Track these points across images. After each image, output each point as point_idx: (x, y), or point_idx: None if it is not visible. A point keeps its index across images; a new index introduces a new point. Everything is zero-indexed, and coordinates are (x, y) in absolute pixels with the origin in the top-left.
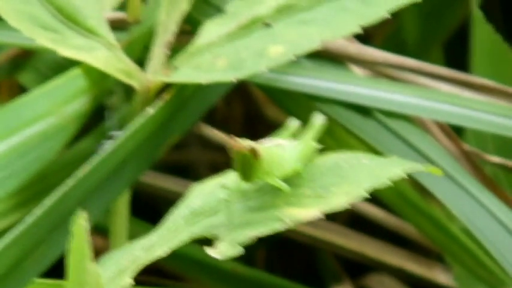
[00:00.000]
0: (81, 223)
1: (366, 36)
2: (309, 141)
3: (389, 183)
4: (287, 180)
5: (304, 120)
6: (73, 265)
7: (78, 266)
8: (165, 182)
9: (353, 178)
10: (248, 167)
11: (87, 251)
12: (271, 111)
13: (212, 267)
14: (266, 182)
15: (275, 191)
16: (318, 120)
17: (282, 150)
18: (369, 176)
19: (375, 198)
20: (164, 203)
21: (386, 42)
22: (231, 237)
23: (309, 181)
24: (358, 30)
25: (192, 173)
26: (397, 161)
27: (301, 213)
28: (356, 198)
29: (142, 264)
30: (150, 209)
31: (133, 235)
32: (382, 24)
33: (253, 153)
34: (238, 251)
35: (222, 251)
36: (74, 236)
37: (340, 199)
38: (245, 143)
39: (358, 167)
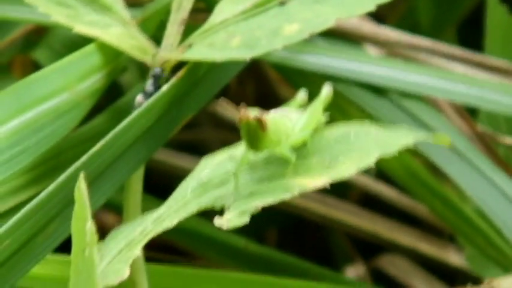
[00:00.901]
0: (81, 189)
1: (380, 17)
2: (316, 111)
3: (397, 152)
4: (295, 150)
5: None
6: (76, 233)
7: (81, 233)
8: (178, 160)
9: (361, 147)
10: (255, 136)
11: (86, 214)
12: (284, 90)
13: (223, 245)
14: (273, 152)
15: (282, 161)
16: (326, 90)
17: (289, 120)
18: (377, 145)
19: (387, 177)
20: (178, 181)
21: (400, 23)
22: (239, 207)
23: (316, 151)
24: (372, 8)
25: (205, 151)
26: (405, 131)
27: (309, 182)
28: (363, 167)
29: (151, 236)
30: (163, 187)
31: (146, 212)
32: (396, 5)
33: (260, 122)
34: (244, 220)
35: (228, 220)
36: (76, 203)
37: (348, 167)
38: (252, 113)
39: (366, 137)
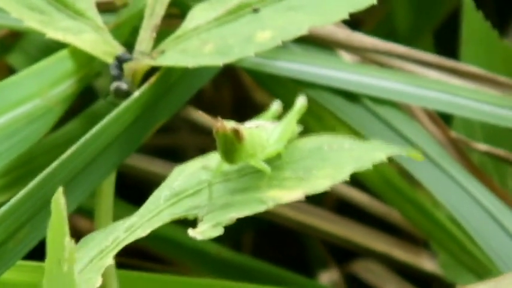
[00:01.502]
0: (59, 200)
1: (356, 23)
2: (290, 122)
3: (371, 167)
4: (269, 162)
5: (292, 105)
6: (52, 244)
7: (57, 244)
8: (154, 166)
9: (335, 161)
10: (231, 148)
11: (65, 228)
12: (260, 95)
13: (196, 251)
14: (248, 163)
15: (257, 172)
16: (301, 102)
17: (264, 131)
18: (351, 159)
19: (361, 184)
20: (152, 186)
21: (377, 29)
22: (213, 218)
23: (290, 163)
24: (346, 16)
25: (181, 157)
26: (380, 145)
27: (283, 195)
28: (338, 181)
29: (123, 244)
30: (138, 193)
31: (119, 218)
32: (373, 11)
33: (236, 134)
34: (219, 231)
35: (203, 231)
36: (52, 215)
37: (322, 182)
38: (228, 125)
39: (340, 150)
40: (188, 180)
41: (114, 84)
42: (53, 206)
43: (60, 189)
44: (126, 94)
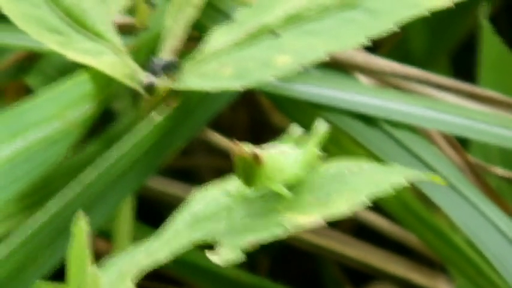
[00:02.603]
0: (81, 226)
1: (372, 46)
2: (312, 148)
3: (391, 191)
4: (289, 186)
5: (310, 129)
6: (73, 267)
7: (77, 268)
8: (171, 188)
9: (355, 185)
10: (250, 172)
11: (87, 253)
12: (277, 118)
13: (215, 274)
14: (268, 188)
15: (277, 197)
16: (322, 127)
17: (285, 156)
18: (371, 183)
19: (378, 207)
20: (170, 208)
21: (393, 52)
22: (232, 242)
23: (311, 188)
24: (365, 42)
25: (198, 178)
26: (399, 169)
27: (303, 219)
28: (357, 205)
29: (143, 268)
30: (155, 214)
31: (137, 240)
32: (390, 34)
33: (256, 158)
34: (238, 256)
35: (223, 255)
36: (74, 239)
37: (342, 206)
38: (248, 149)
39: (360, 175)
40: (208, 204)
41: (150, 79)
42: (74, 230)
43: (82, 214)
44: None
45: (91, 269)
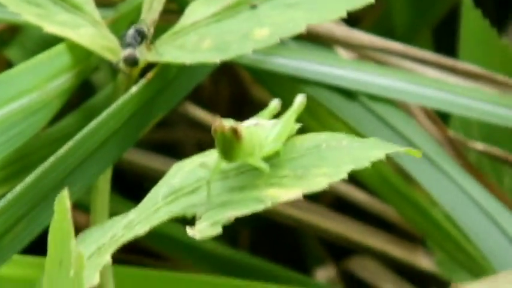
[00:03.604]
0: (63, 202)
1: (354, 20)
2: (289, 121)
3: (369, 165)
4: (267, 160)
5: (289, 102)
6: (54, 244)
7: (59, 245)
8: (152, 161)
9: (333, 159)
10: (229, 147)
11: (69, 230)
12: (258, 91)
13: (193, 247)
14: (246, 161)
15: (255, 171)
16: (299, 100)
17: (263, 130)
18: (349, 157)
19: (359, 181)
20: (151, 181)
21: (375, 26)
22: (210, 216)
23: (288, 161)
24: (344, 14)
25: (179, 152)
26: (378, 143)
27: (281, 193)
28: (336, 179)
29: (121, 242)
30: (136, 187)
31: (115, 213)
32: (371, 8)
33: (235, 133)
34: (217, 230)
35: (201, 230)
36: (56, 215)
37: (320, 180)
38: (227, 123)
39: (338, 149)
40: (186, 177)
41: (127, 51)
42: (57, 207)
43: (66, 191)
44: (135, 63)
45: (75, 246)
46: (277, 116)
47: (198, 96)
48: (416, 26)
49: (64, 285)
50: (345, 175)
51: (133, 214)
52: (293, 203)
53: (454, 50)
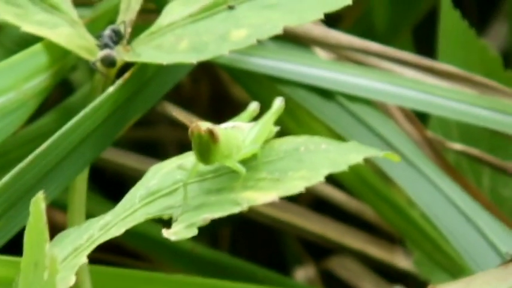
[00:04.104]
0: (39, 204)
1: (335, 20)
2: (267, 123)
3: (347, 169)
4: (244, 162)
5: (267, 102)
6: (29, 246)
7: (34, 247)
8: (132, 160)
9: (311, 163)
10: (206, 149)
11: (44, 233)
12: (237, 91)
13: (171, 247)
14: (224, 164)
15: (232, 173)
16: (278, 102)
17: (240, 132)
18: (327, 161)
19: (337, 182)
20: (131, 180)
21: (356, 26)
22: (186, 218)
23: (266, 164)
24: (321, 16)
25: (160, 151)
26: (356, 146)
27: (258, 196)
28: (313, 183)
29: (97, 243)
30: (116, 187)
31: (93, 212)
32: (351, 8)
33: (211, 136)
34: (192, 232)
35: (176, 232)
36: (31, 217)
37: (297, 184)
38: (203, 125)
39: (316, 152)
40: (164, 179)
41: (104, 52)
42: (32, 209)
43: (41, 194)
44: (112, 64)
45: (49, 249)
46: (256, 118)
47: (177, 95)
48: (396, 27)
49: (38, 287)
50: (322, 178)
51: (110, 216)
52: (272, 203)
53: (434, 51)
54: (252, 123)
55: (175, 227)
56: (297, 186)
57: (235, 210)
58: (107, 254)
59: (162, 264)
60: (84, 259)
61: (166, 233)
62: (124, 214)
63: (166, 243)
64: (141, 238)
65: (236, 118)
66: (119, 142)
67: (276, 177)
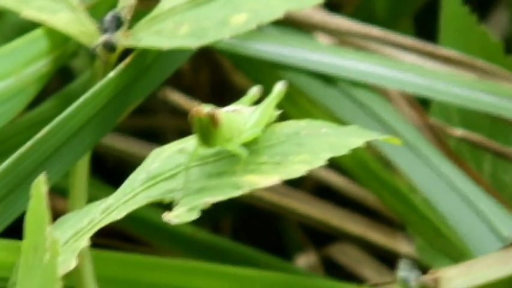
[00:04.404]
0: (40, 188)
1: (336, 5)
2: (268, 107)
3: (348, 152)
4: (245, 146)
5: (268, 88)
6: (30, 229)
7: (35, 230)
8: (133, 147)
9: (312, 147)
10: (207, 132)
11: (45, 216)
12: (238, 77)
13: (171, 232)
14: (225, 147)
15: (234, 157)
16: (279, 86)
17: (242, 116)
18: (328, 145)
19: (339, 167)
20: (131, 167)
21: (357, 12)
22: (188, 202)
23: (267, 148)
24: (321, 1)
25: (160, 138)
26: (357, 130)
27: (259, 180)
28: (314, 166)
29: (98, 227)
30: (116, 173)
31: (94, 197)
32: None
33: (212, 119)
34: (194, 216)
35: (178, 215)
36: (32, 200)
37: (299, 167)
38: (205, 109)
39: (317, 136)
40: (165, 163)
41: (104, 37)
42: (33, 191)
43: (42, 177)
44: (112, 49)
45: (50, 233)
46: (257, 102)
47: (178, 82)
48: (397, 13)
49: (39, 270)
50: (323, 162)
51: (112, 199)
52: (274, 189)
53: (435, 37)
54: (253, 107)
55: (177, 211)
56: (298, 170)
57: (237, 193)
58: (108, 239)
59: (163, 250)
60: (85, 242)
61: (167, 216)
62: (125, 198)
63: (166, 228)
64: (141, 223)
65: (237, 102)
66: (120, 129)
67: (277, 161)
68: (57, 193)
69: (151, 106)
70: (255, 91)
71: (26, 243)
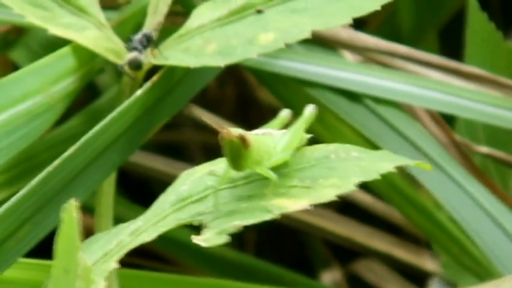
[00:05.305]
0: (71, 212)
1: (360, 22)
2: (298, 130)
3: (378, 177)
4: (276, 169)
5: (294, 105)
6: (61, 253)
7: (67, 254)
8: (158, 163)
9: (342, 171)
10: (237, 155)
11: (77, 241)
12: (263, 94)
13: (199, 251)
14: (255, 170)
15: (263, 180)
16: (309, 110)
17: (271, 139)
18: (359, 169)
19: (365, 184)
20: (157, 184)
21: (381, 29)
22: (218, 225)
23: (297, 171)
24: (349, 21)
25: (185, 154)
26: (387, 155)
27: (289, 204)
28: (344, 191)
29: (128, 249)
30: (141, 189)
31: (120, 215)
32: (377, 11)
33: (243, 142)
34: (223, 239)
35: (208, 238)
36: (63, 225)
37: (328, 191)
38: (235, 132)
39: (347, 160)
40: (195, 185)
41: (133, 54)
42: (64, 216)
43: (73, 201)
44: (139, 67)
45: (82, 258)
46: (287, 126)
47: (203, 98)
48: (422, 28)
49: None
50: (353, 187)
51: (141, 221)
52: None
53: (460, 52)
54: (283, 131)
55: (206, 234)
56: (327, 194)
57: (267, 217)
58: (136, 258)
59: (188, 267)
60: (114, 264)
61: (196, 239)
62: (155, 219)
63: (193, 246)
64: (170, 242)
65: (267, 125)
66: (144, 144)
67: (307, 185)
68: (84, 211)
69: (176, 121)
70: (285, 114)
71: (56, 265)
